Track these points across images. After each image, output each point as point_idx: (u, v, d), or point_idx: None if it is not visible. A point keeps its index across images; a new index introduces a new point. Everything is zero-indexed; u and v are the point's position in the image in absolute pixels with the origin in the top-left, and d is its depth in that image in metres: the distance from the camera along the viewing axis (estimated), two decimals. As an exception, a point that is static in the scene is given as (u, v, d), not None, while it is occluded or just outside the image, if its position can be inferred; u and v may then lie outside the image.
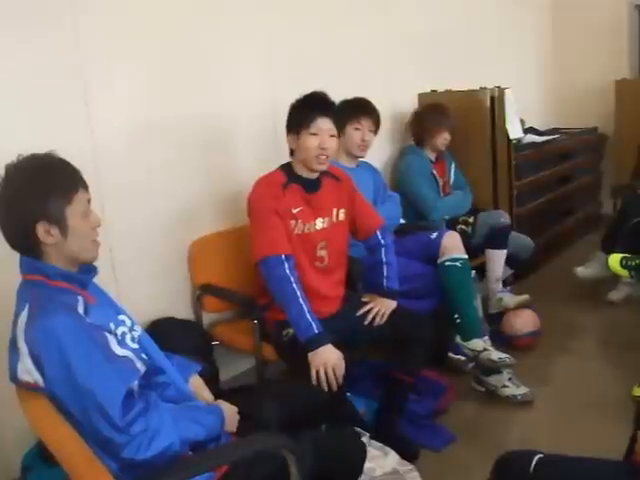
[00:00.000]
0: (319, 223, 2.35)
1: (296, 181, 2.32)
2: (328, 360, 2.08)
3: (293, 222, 2.28)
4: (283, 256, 2.19)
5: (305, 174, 2.34)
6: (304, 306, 2.15)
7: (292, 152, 2.36)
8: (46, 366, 1.38)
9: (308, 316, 2.14)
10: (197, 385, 1.79)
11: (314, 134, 2.26)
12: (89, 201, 1.55)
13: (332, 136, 2.29)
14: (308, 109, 2.29)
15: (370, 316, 2.38)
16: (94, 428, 1.38)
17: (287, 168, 2.36)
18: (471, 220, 3.40)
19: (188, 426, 1.51)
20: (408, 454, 2.28)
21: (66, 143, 1.71)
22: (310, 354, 2.10)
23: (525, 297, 3.41)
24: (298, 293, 2.16)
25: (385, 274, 2.48)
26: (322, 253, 2.37)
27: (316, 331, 2.13)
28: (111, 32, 2.34)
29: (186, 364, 1.81)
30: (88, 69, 2.28)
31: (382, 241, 2.54)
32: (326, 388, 2.07)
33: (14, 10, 2.06)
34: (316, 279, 2.35)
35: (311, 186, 2.35)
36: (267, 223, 2.23)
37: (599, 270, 3.71)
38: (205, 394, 1.78)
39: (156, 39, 2.49)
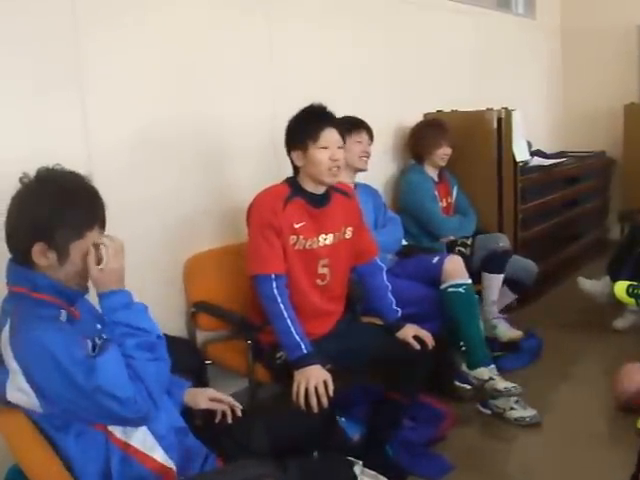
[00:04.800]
0: (322, 240, 2.26)
1: (301, 195, 2.23)
2: (311, 377, 2.01)
3: (294, 237, 2.19)
4: (272, 275, 2.14)
5: (311, 189, 2.25)
6: (291, 326, 2.10)
7: (296, 169, 2.27)
8: (40, 379, 1.33)
9: (296, 336, 2.09)
10: (190, 400, 1.76)
11: (324, 147, 2.19)
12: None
13: (340, 147, 2.23)
14: (313, 122, 2.21)
15: (415, 342, 2.30)
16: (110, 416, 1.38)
17: (292, 181, 2.27)
18: (469, 242, 3.32)
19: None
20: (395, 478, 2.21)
21: (62, 154, 1.66)
22: (296, 372, 2.05)
23: (518, 333, 3.34)
24: (285, 313, 2.11)
25: (393, 301, 2.41)
26: (324, 270, 2.29)
27: (304, 351, 2.08)
28: (111, 44, 2.31)
29: (176, 382, 1.76)
30: (86, 81, 2.24)
31: (382, 264, 2.48)
32: (303, 405, 1.99)
33: (12, 22, 2.03)
34: (315, 296, 2.28)
35: (318, 201, 2.26)
36: (260, 239, 2.17)
37: (600, 290, 3.64)
38: (202, 403, 1.77)
39: (156, 52, 2.47)
